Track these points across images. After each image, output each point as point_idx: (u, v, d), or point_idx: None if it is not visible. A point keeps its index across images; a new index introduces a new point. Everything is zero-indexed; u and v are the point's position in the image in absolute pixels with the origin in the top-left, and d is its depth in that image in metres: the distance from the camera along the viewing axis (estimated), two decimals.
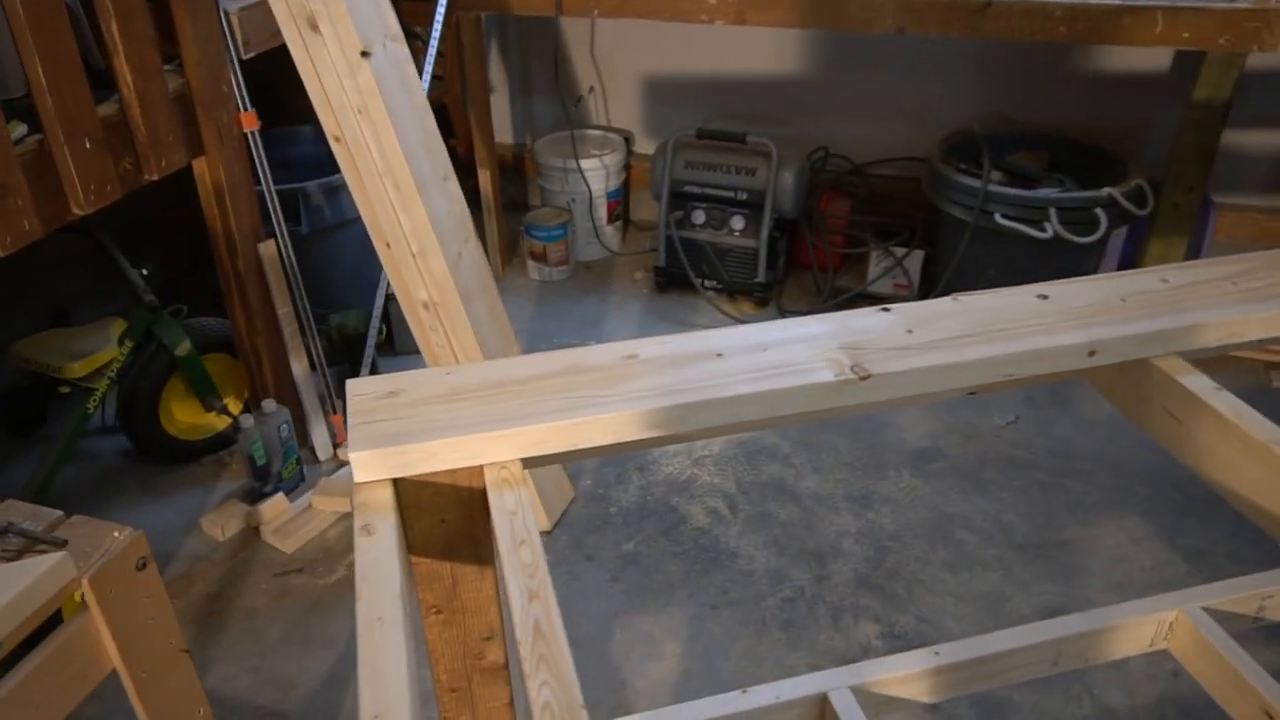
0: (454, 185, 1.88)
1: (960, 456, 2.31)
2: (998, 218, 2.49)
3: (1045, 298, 1.16)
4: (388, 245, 1.92)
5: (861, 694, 1.43)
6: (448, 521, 0.98)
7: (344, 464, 2.27)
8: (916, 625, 1.85)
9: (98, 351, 2.05)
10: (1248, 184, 2.88)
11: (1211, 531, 2.07)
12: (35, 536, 1.09)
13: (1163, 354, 1.11)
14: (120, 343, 2.08)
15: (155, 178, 1.80)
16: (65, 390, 2.24)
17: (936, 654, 1.49)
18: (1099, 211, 2.44)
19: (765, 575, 1.97)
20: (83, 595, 1.06)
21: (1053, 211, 2.43)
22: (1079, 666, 1.55)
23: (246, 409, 2.34)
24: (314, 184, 2.41)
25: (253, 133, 2.02)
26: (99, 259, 2.16)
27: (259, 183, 2.09)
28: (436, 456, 0.92)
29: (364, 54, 1.69)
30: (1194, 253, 2.70)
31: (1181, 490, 2.19)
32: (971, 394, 1.14)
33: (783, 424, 1.03)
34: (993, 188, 2.51)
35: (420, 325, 1.94)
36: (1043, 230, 2.45)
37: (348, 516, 2.14)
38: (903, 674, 1.46)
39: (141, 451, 2.28)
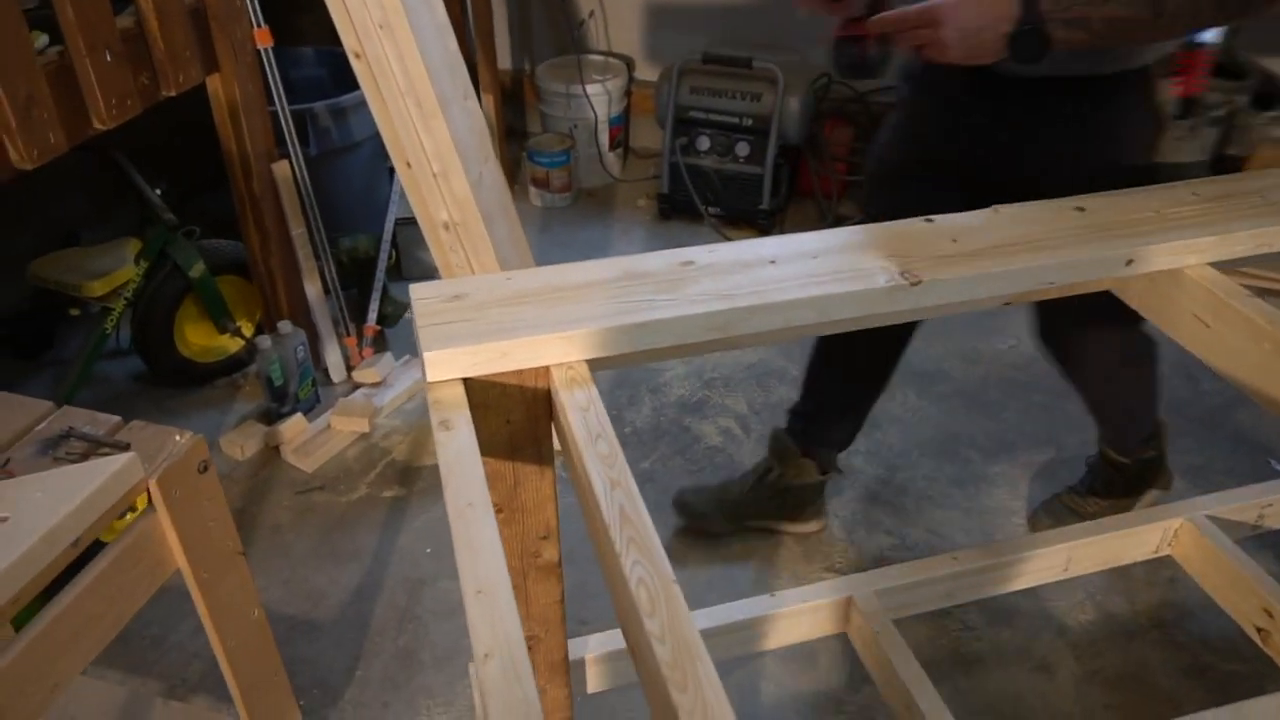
0: (474, 104, 1.87)
1: (964, 379, 2.36)
2: None
3: (1082, 210, 1.19)
4: (408, 165, 1.92)
5: (884, 596, 1.50)
6: (512, 422, 1.00)
7: (358, 386, 2.29)
8: (927, 538, 1.92)
9: (116, 270, 2.04)
10: None
11: (1208, 449, 2.14)
12: (98, 440, 1.11)
13: (1195, 264, 1.15)
14: (136, 263, 2.07)
15: (173, 93, 1.77)
16: (75, 312, 2.23)
17: (955, 559, 1.55)
18: None
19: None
20: (149, 496, 1.08)
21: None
22: (1088, 571, 1.63)
23: (259, 331, 2.35)
24: (321, 105, 2.38)
25: (266, 50, 1.99)
26: (103, 179, 2.14)
27: (272, 102, 2.07)
28: (506, 356, 0.94)
29: None
30: None
31: (1180, 411, 2.26)
32: (1006, 304, 1.17)
33: (833, 329, 1.06)
34: None
35: (440, 246, 1.94)
36: None
37: (365, 437, 2.17)
38: (923, 578, 1.52)
39: (155, 374, 2.28)
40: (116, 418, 1.16)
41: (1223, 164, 2.56)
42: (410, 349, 2.45)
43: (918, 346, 2.46)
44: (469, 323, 0.96)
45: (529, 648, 1.20)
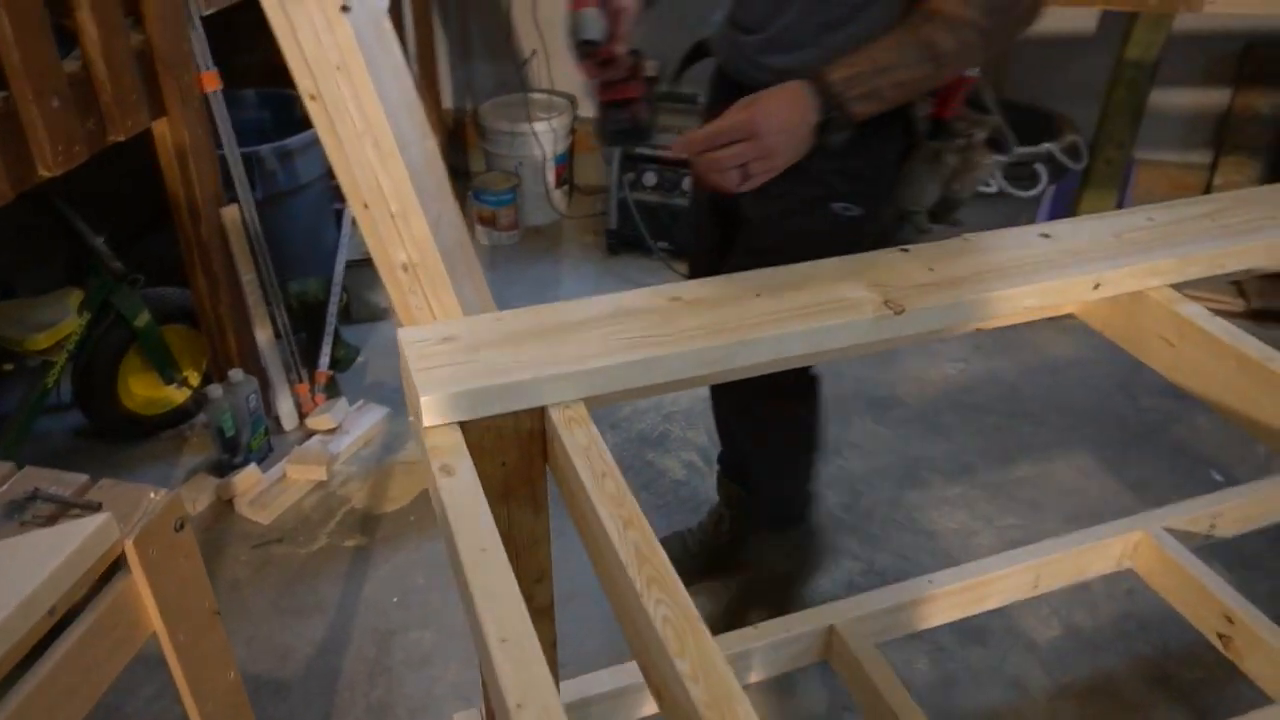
0: (433, 144, 1.86)
1: (917, 404, 2.41)
2: None
3: (1047, 236, 1.23)
4: (365, 206, 1.89)
5: (864, 623, 1.51)
6: (507, 464, 0.99)
7: (312, 433, 2.24)
8: (895, 561, 1.94)
9: (60, 322, 1.97)
10: (1162, 141, 3.06)
11: (1153, 464, 2.22)
12: (66, 501, 1.06)
13: (1157, 285, 1.19)
14: (79, 314, 2.00)
15: (121, 138, 1.73)
16: (8, 368, 2.14)
17: (930, 582, 1.58)
18: (1038, 166, 2.56)
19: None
20: (124, 558, 1.03)
21: (997, 169, 2.54)
22: (1056, 587, 1.67)
23: (206, 381, 2.28)
24: (267, 148, 2.34)
25: (214, 93, 1.95)
26: (37, 227, 2.06)
27: (219, 146, 2.02)
28: (503, 399, 0.93)
29: (343, 8, 1.65)
30: (1119, 206, 2.85)
31: (1122, 427, 2.34)
32: (977, 329, 1.20)
33: (822, 359, 1.07)
34: None
35: (399, 288, 1.91)
36: (987, 185, 2.55)
37: (322, 485, 2.12)
38: (901, 602, 1.54)
39: (97, 429, 2.20)
40: (84, 476, 1.11)
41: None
42: (364, 394, 2.40)
43: (868, 373, 2.51)
44: (463, 365, 0.95)
45: None
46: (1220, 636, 1.54)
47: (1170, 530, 1.67)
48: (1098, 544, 1.64)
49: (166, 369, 2.17)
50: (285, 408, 2.26)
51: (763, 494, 1.75)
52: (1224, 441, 2.29)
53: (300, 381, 2.27)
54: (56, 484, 1.10)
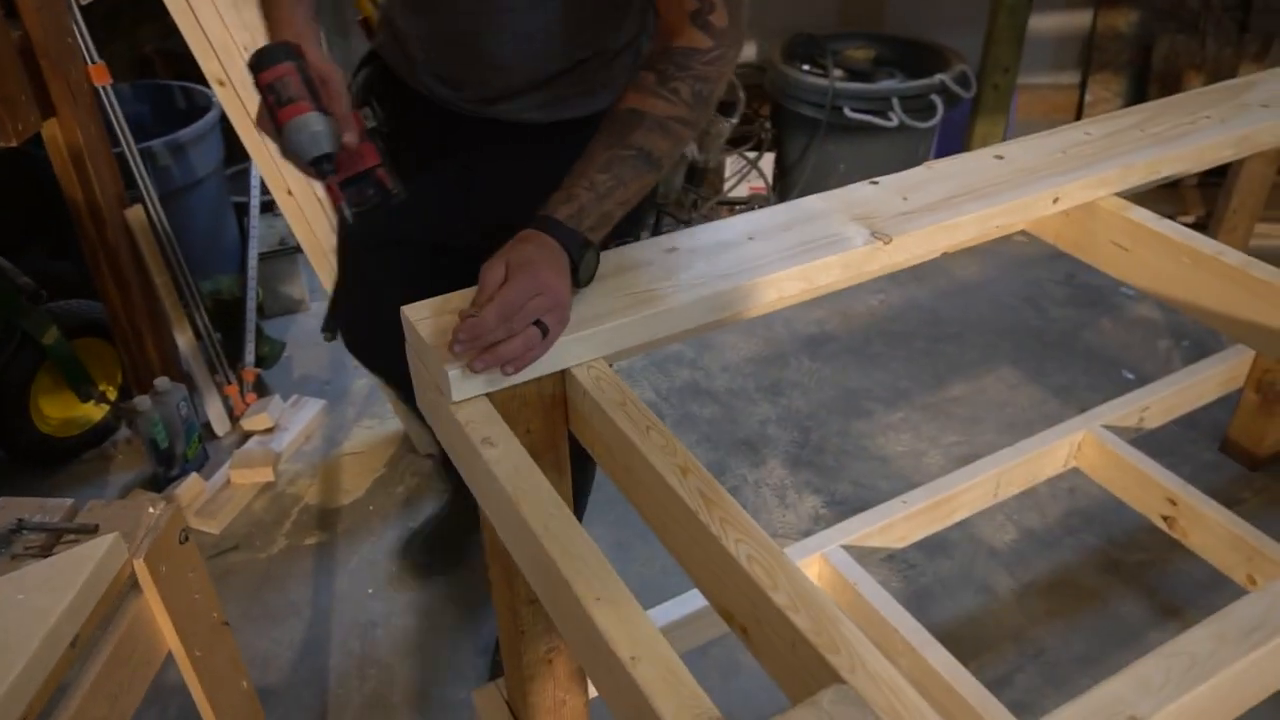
0: None
1: (847, 337, 2.49)
2: (847, 112, 2.65)
3: (1001, 158, 1.28)
4: (289, 192, 1.82)
5: (850, 549, 1.56)
6: (532, 430, 0.98)
7: (249, 434, 2.15)
8: (854, 490, 2.01)
9: None
10: (1034, 66, 3.21)
11: (1070, 369, 2.36)
12: (58, 528, 1.00)
13: (1104, 195, 1.27)
14: None
15: (14, 144, 1.60)
16: None
17: (904, 503, 1.64)
18: (934, 98, 2.65)
19: (707, 470, 2.06)
20: (133, 578, 0.98)
21: (895, 101, 2.62)
22: (1013, 493, 1.76)
23: (124, 394, 2.15)
24: (160, 143, 2.21)
25: (105, 88, 1.82)
26: None
27: (116, 144, 1.90)
28: (529, 366, 0.92)
29: None
30: (1005, 131, 2.99)
31: (1037, 339, 2.47)
32: (945, 253, 1.25)
33: (817, 294, 1.10)
34: (839, 84, 2.66)
35: (331, 272, 1.85)
36: (888, 119, 2.63)
37: (270, 486, 2.04)
38: (880, 525, 1.60)
39: (12, 457, 2.05)
40: (69, 501, 1.05)
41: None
42: (295, 388, 2.32)
43: (798, 313, 2.58)
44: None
45: (548, 660, 1.18)
46: (1164, 519, 1.66)
47: (1108, 427, 1.78)
48: (1047, 448, 1.74)
49: (82, 385, 2.04)
50: (215, 411, 2.16)
51: None
52: (1129, 342, 2.45)
53: (229, 383, 2.17)
54: (40, 511, 1.03)
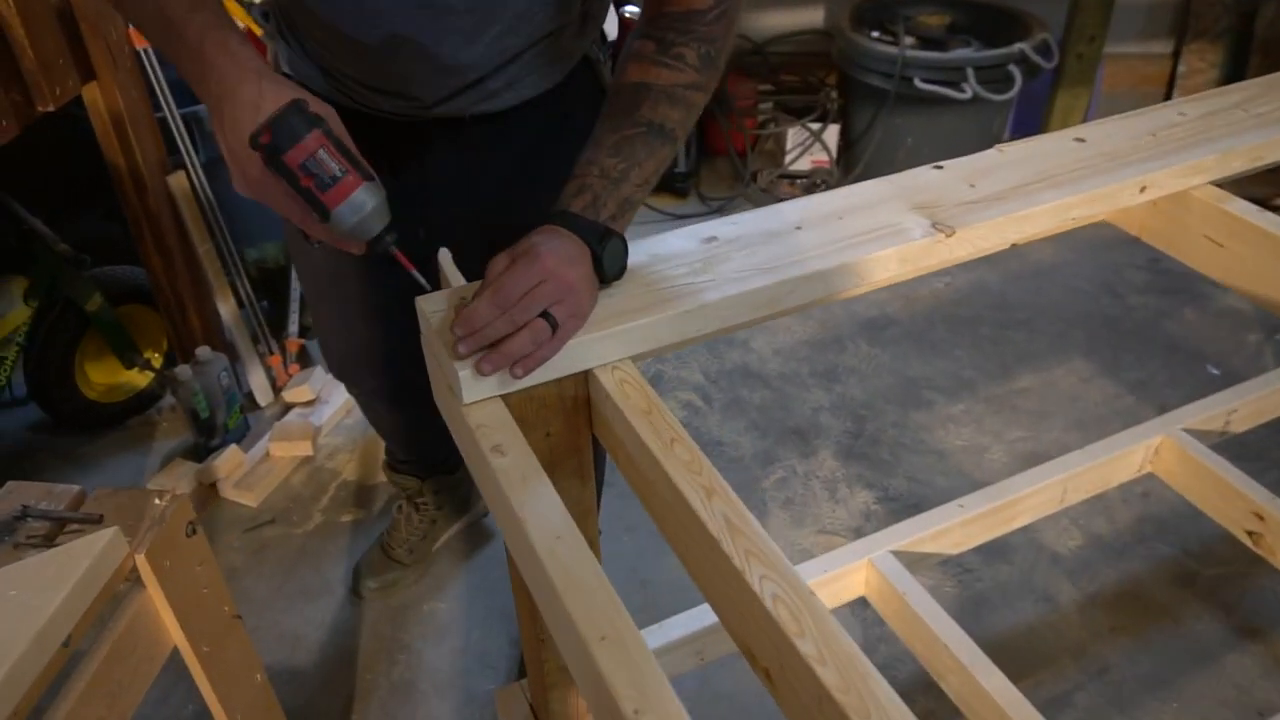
0: None
1: (909, 321, 2.37)
2: (917, 82, 2.51)
3: (1082, 140, 1.16)
4: None
5: (900, 555, 1.47)
6: (552, 434, 0.91)
7: (290, 406, 2.12)
8: (908, 486, 1.91)
9: (7, 314, 1.81)
10: (1123, 34, 3.00)
11: (1148, 363, 2.21)
12: (61, 517, 0.96)
13: (1199, 184, 1.14)
14: (25, 303, 1.85)
15: (51, 108, 1.57)
16: None
17: (961, 507, 1.54)
18: (1012, 68, 2.49)
19: (754, 459, 1.99)
20: (135, 572, 0.94)
21: (970, 71, 2.47)
22: (1081, 499, 1.64)
23: (169, 361, 2.15)
24: (203, 107, 2.17)
25: (146, 50, 1.78)
26: None
27: (157, 108, 1.86)
28: (546, 365, 0.85)
29: None
30: (1090, 104, 2.80)
31: (1113, 328, 2.32)
32: (1014, 245, 1.14)
33: (872, 288, 1.00)
34: (909, 53, 2.52)
35: None
36: (961, 91, 2.48)
37: (309, 460, 2.02)
38: (934, 530, 1.50)
39: (58, 422, 2.06)
40: (76, 487, 1.01)
41: None
42: None
43: (856, 295, 2.46)
44: None
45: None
46: (1250, 534, 1.53)
47: (1189, 431, 1.65)
48: (1121, 453, 1.61)
49: (126, 353, 2.04)
50: (258, 382, 2.14)
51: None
52: (1215, 335, 2.29)
53: (271, 353, 2.15)
54: (46, 498, 1.00)
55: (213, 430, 1.99)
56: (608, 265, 0.88)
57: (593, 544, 1.06)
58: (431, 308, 0.90)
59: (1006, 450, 1.99)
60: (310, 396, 2.12)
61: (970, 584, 1.71)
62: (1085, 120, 2.74)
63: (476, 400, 0.84)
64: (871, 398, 2.14)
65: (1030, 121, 2.96)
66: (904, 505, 1.86)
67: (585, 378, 0.89)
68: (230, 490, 1.92)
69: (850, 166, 2.82)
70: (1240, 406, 1.73)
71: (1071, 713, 1.50)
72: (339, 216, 0.80)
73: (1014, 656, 1.58)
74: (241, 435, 2.06)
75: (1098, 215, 1.10)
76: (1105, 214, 1.12)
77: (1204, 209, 1.13)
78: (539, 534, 0.73)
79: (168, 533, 0.96)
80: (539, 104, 1.10)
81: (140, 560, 0.93)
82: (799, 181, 2.89)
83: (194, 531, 0.99)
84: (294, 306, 2.22)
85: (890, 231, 0.99)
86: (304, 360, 2.23)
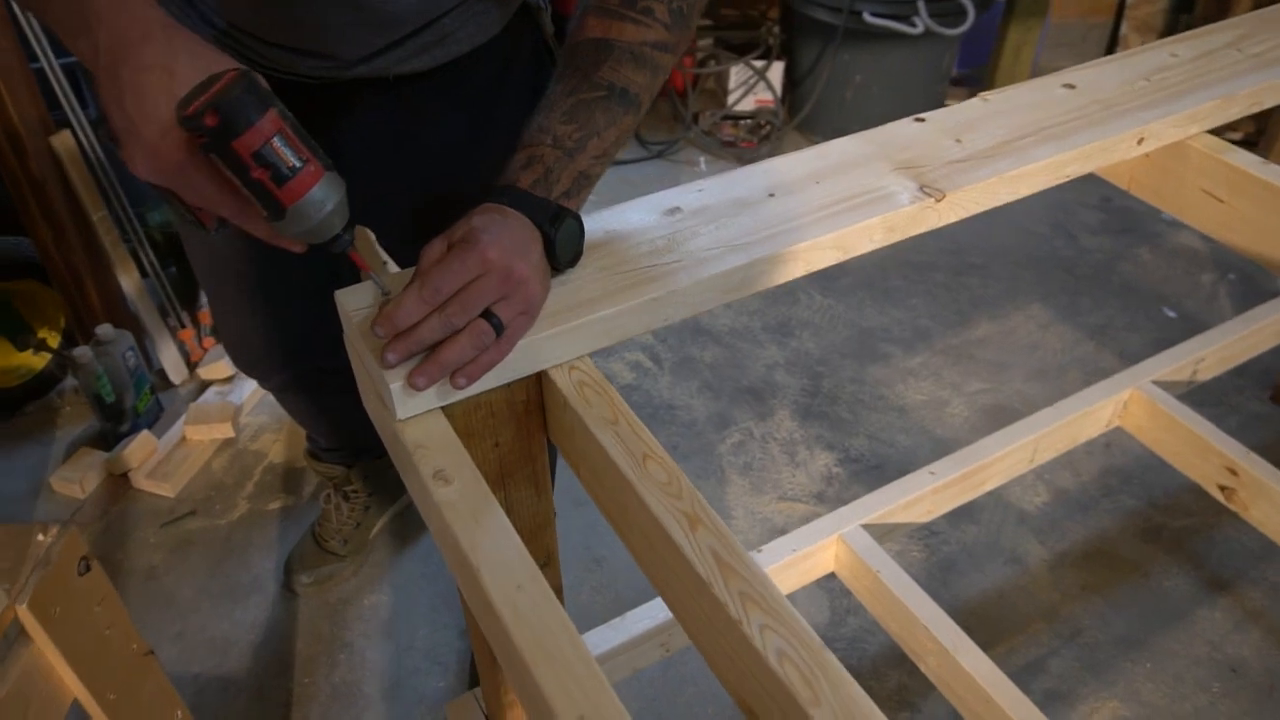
0: None
1: (862, 269, 2.28)
2: (866, 16, 2.38)
3: (1072, 87, 1.06)
4: None
5: (871, 528, 1.40)
6: (501, 444, 0.80)
7: (207, 384, 1.96)
8: (870, 446, 1.84)
9: None
10: None
11: (1105, 306, 2.16)
12: None
13: (1196, 133, 1.05)
14: None
15: None
16: None
17: (932, 474, 1.47)
18: (965, 0, 2.38)
19: (709, 422, 1.89)
20: (18, 624, 0.81)
21: (921, 4, 2.35)
22: (1051, 458, 1.59)
23: (69, 340, 1.96)
24: None
25: None
26: None
27: (34, 60, 1.65)
28: (494, 370, 0.73)
29: None
30: (1041, 37, 2.71)
31: (1069, 271, 2.27)
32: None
33: (851, 256, 0.90)
34: None
35: None
36: (913, 25, 2.37)
37: (231, 443, 1.86)
38: (905, 501, 1.42)
39: None
40: None
41: None
42: None
43: None
44: None
45: None
46: (1222, 489, 1.49)
47: (1159, 383, 1.60)
48: (1090, 409, 1.56)
49: (18, 333, 1.84)
50: (170, 359, 1.97)
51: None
52: (1169, 275, 2.25)
53: (183, 326, 1.98)
54: None
55: (121, 415, 1.82)
56: (561, 251, 0.75)
57: (550, 557, 0.95)
58: (354, 304, 0.77)
59: (967, 403, 1.92)
60: (228, 373, 1.95)
61: (937, 548, 1.65)
62: (1037, 53, 2.65)
63: (413, 415, 0.72)
64: (827, 353, 2.05)
65: (978, 56, 2.86)
66: (866, 466, 1.79)
67: (538, 379, 0.77)
68: (144, 480, 1.76)
69: (797, 106, 2.70)
70: (1207, 355, 1.68)
71: (1045, 679, 1.46)
72: (297, 214, 0.65)
73: (986, 623, 1.53)
74: (154, 419, 1.89)
75: (1092, 169, 1.01)
76: (1100, 168, 1.02)
77: (1202, 160, 1.04)
78: (497, 585, 0.61)
79: (56, 575, 0.82)
80: (475, 58, 0.95)
81: (22, 611, 0.79)
82: (743, 122, 2.76)
83: (88, 568, 0.86)
84: None
85: (874, 197, 0.88)
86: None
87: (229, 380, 1.95)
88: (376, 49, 0.89)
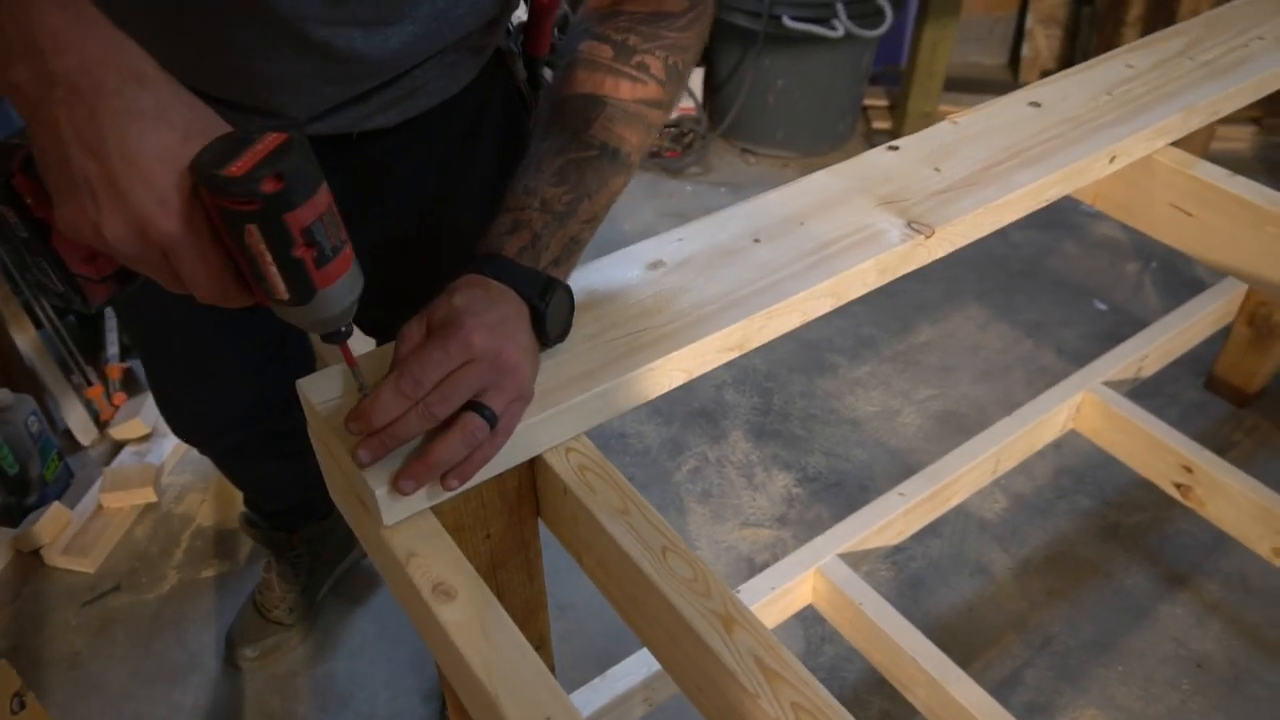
0: None
1: None
2: (786, 21, 2.36)
3: (1038, 105, 1.04)
4: None
5: (848, 557, 1.37)
6: (493, 535, 0.73)
7: (120, 445, 1.82)
8: (827, 462, 1.81)
9: None
10: None
11: (1039, 302, 2.18)
12: None
13: (1162, 147, 1.04)
14: None
15: None
16: None
17: (902, 495, 1.44)
18: (882, 1, 2.37)
19: (662, 449, 1.84)
20: None
21: (840, 7, 2.34)
22: (1012, 466, 1.58)
23: None
24: None
25: None
26: None
27: None
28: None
29: None
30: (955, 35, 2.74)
31: (1003, 268, 2.29)
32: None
33: (846, 301, 0.85)
34: None
35: None
36: (833, 28, 2.35)
37: (153, 508, 1.73)
38: (879, 525, 1.40)
39: None
40: None
41: None
42: None
43: None
44: None
45: None
46: (1178, 486, 1.51)
47: (1108, 384, 1.61)
48: (1046, 415, 1.56)
49: None
50: (76, 419, 1.82)
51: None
52: (1096, 267, 2.28)
53: (89, 383, 1.83)
54: None
55: (26, 487, 1.67)
56: (551, 326, 0.68)
57: (543, 640, 0.89)
58: (318, 395, 0.69)
59: (919, 411, 1.91)
60: (144, 430, 1.81)
61: (904, 564, 1.63)
62: (950, 52, 2.67)
63: (401, 520, 0.64)
64: (774, 367, 2.02)
65: (892, 56, 2.88)
66: (825, 485, 1.76)
67: (530, 463, 0.71)
68: (59, 557, 1.62)
69: (719, 113, 2.66)
70: (1150, 352, 1.70)
71: (1024, 691, 1.45)
72: (325, 300, 0.55)
73: (959, 639, 1.52)
74: (64, 487, 1.74)
75: (1065, 192, 0.99)
76: (1075, 189, 1.00)
77: (1169, 175, 1.03)
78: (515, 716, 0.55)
79: None
80: (446, 110, 0.87)
81: None
82: (666, 130, 2.71)
83: (22, 705, 0.76)
84: (110, 324, 1.89)
85: (863, 236, 0.84)
86: (130, 387, 1.91)
87: (145, 439, 1.81)
88: (335, 103, 0.80)
